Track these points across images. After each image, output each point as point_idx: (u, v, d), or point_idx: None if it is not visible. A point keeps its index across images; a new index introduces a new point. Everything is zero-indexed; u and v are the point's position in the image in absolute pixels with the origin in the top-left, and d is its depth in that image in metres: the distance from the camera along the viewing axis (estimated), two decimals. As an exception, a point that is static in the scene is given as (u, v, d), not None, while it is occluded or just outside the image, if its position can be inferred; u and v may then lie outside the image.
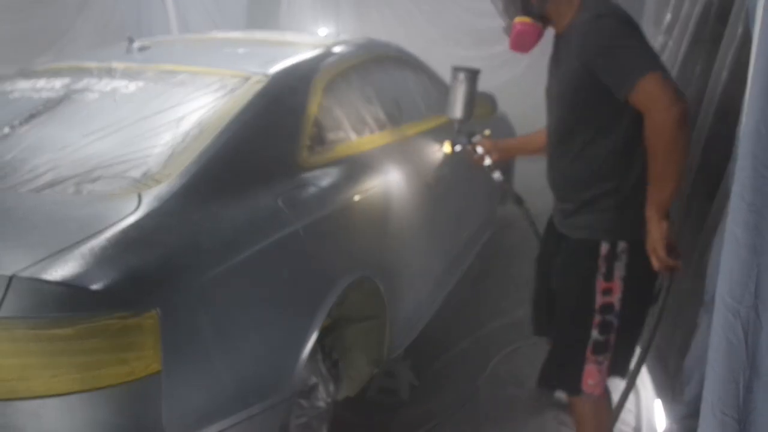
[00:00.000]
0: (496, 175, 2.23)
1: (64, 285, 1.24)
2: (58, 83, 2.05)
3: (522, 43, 1.78)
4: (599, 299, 1.72)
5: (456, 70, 2.15)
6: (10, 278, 1.22)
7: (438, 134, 2.89)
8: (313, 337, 1.74)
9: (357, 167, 2.14)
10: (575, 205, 1.76)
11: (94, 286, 1.25)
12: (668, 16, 2.57)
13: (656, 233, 1.57)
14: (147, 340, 1.30)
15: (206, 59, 2.25)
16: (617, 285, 1.70)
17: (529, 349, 2.74)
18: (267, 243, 1.62)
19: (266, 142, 1.82)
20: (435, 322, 2.71)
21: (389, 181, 2.27)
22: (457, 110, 2.15)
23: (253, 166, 1.74)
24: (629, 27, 1.58)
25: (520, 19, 1.75)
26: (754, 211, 1.02)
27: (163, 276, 1.37)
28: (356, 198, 2.04)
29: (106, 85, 2.01)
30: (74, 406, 1.27)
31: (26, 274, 1.23)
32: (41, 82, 2.09)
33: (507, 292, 3.43)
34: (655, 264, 1.59)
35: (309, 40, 2.65)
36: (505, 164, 2.32)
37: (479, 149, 2.23)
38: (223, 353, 1.47)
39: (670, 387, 2.08)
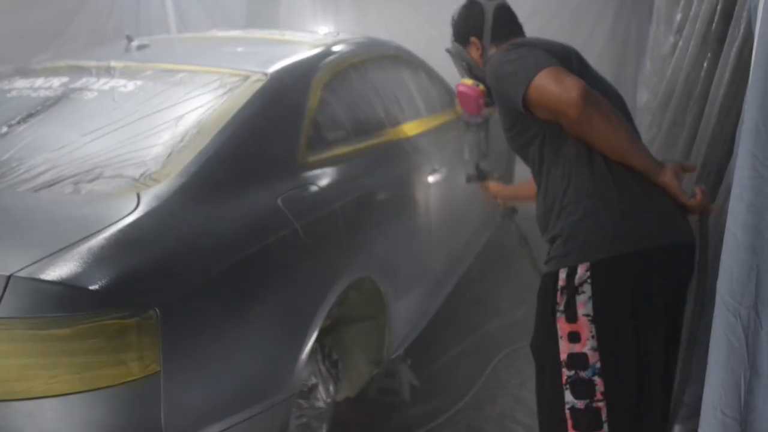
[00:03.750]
0: (507, 216, 2.33)
1: (63, 285, 1.23)
2: (57, 82, 2.04)
3: (465, 103, 1.87)
4: (564, 346, 1.38)
5: (468, 121, 2.12)
6: (8, 278, 1.21)
7: (438, 133, 2.88)
8: (313, 338, 1.74)
9: (357, 166, 2.13)
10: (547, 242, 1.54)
11: (93, 286, 1.25)
12: (678, 16, 2.57)
13: (669, 191, 1.39)
14: (146, 341, 1.29)
15: (205, 58, 2.24)
16: (584, 327, 1.35)
17: (528, 349, 2.74)
18: (266, 243, 1.61)
19: (265, 142, 1.82)
20: (435, 322, 2.70)
21: (389, 181, 2.27)
22: (470, 153, 2.22)
23: (253, 165, 1.74)
24: (515, 49, 1.50)
25: (463, 82, 1.84)
26: (754, 212, 1.02)
27: (162, 276, 1.36)
28: (356, 197, 2.04)
29: (105, 84, 2.00)
30: (73, 406, 1.26)
31: (24, 273, 1.22)
32: (39, 81, 2.08)
33: (507, 292, 3.43)
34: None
35: (308, 38, 2.64)
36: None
37: (492, 186, 2.33)
38: (222, 353, 1.47)
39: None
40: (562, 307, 1.38)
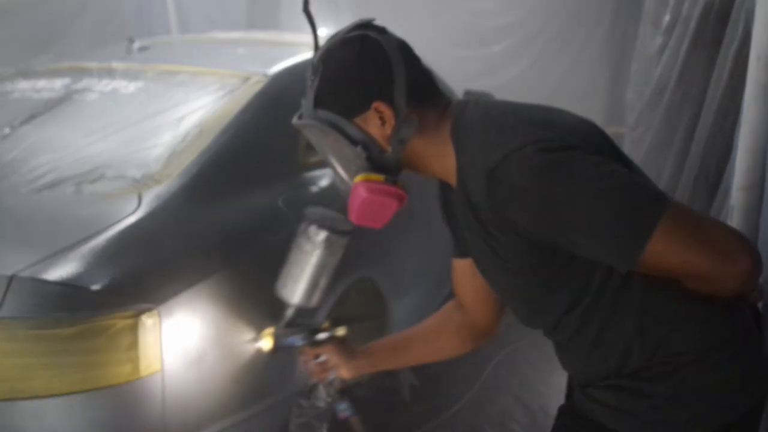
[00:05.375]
0: (342, 407, 1.41)
1: (65, 285, 1.25)
2: (58, 83, 2.06)
3: (370, 214, 1.08)
4: None
5: (309, 221, 1.31)
6: (11, 278, 1.23)
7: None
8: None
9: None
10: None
11: (95, 286, 1.26)
12: (667, 17, 2.58)
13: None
14: (147, 340, 1.30)
15: (206, 59, 2.26)
16: None
17: (528, 349, 2.74)
18: (267, 243, 1.62)
19: (266, 143, 1.82)
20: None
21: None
22: (297, 290, 1.30)
23: (253, 166, 1.75)
24: (549, 151, 0.90)
25: (367, 178, 1.03)
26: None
27: (163, 276, 1.38)
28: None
29: (106, 85, 2.01)
30: (75, 405, 1.27)
31: (27, 274, 1.24)
32: (41, 82, 2.10)
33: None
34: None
35: (308, 40, 2.64)
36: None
37: (322, 357, 1.32)
38: (222, 353, 1.48)
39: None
40: None
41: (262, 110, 1.86)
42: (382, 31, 1.03)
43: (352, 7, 5.30)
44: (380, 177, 1.04)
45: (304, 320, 1.35)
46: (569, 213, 0.89)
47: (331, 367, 1.32)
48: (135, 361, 1.29)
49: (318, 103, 1.05)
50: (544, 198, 0.89)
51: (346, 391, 1.37)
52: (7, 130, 1.82)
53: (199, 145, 1.66)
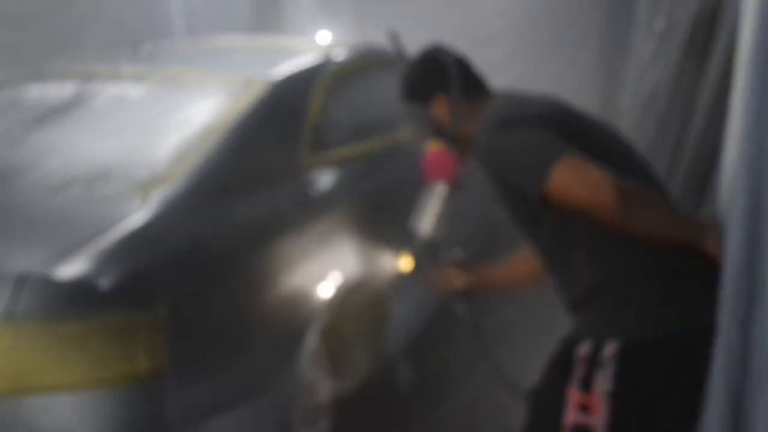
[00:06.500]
0: (461, 308, 1.74)
1: (75, 284, 1.28)
2: (67, 87, 2.08)
3: (437, 172, 1.55)
4: (572, 415, 1.24)
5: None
6: (22, 276, 1.26)
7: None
8: (315, 333, 1.78)
9: (357, 169, 2.18)
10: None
11: (104, 285, 1.29)
12: (660, 22, 2.60)
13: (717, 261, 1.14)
14: (155, 338, 1.34)
15: (211, 63, 2.29)
16: (599, 403, 1.21)
17: (529, 344, 2.76)
18: (269, 242, 1.66)
19: (269, 145, 1.85)
20: (435, 318, 2.73)
21: (389, 183, 2.31)
22: (425, 225, 1.63)
23: (257, 168, 1.78)
24: (508, 127, 1.29)
25: (431, 146, 1.53)
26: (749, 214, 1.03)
27: (170, 275, 1.41)
28: (357, 199, 2.09)
29: (114, 88, 2.05)
30: (83, 401, 1.31)
31: (37, 273, 1.27)
32: (51, 86, 2.13)
33: (507, 290, 3.42)
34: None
35: (311, 44, 2.68)
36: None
37: (447, 272, 1.74)
38: (227, 350, 1.51)
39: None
40: (580, 375, 1.25)
41: (266, 114, 1.89)
42: (443, 51, 1.52)
43: (354, 13, 5.34)
44: (440, 145, 1.50)
45: (431, 248, 1.71)
46: (503, 161, 1.28)
47: (450, 281, 1.73)
48: (142, 358, 1.32)
49: (407, 97, 1.54)
50: (490, 156, 1.31)
51: (464, 298, 1.74)
52: (17, 133, 1.85)
53: (205, 147, 1.68)
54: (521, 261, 1.66)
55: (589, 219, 1.20)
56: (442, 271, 1.74)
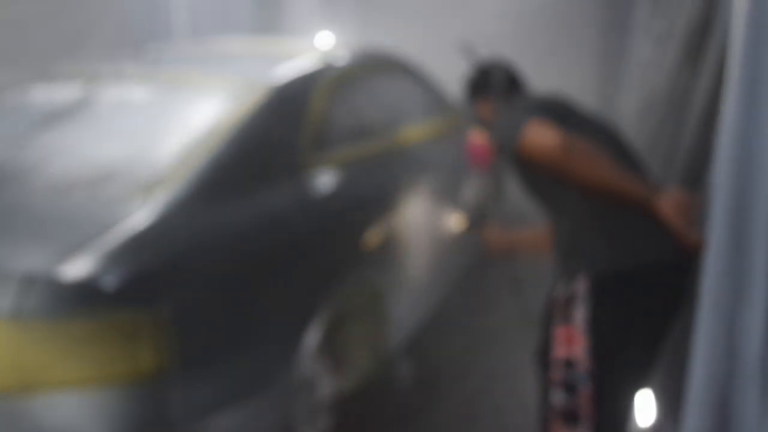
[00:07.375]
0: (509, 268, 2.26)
1: (79, 283, 1.29)
2: (72, 89, 2.10)
3: (476, 156, 2.05)
4: (559, 350, 1.51)
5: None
6: (28, 276, 1.28)
7: (435, 140, 2.94)
8: (315, 332, 1.80)
9: (358, 171, 2.19)
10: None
11: (108, 285, 1.31)
12: (658, 25, 2.61)
13: (671, 224, 1.42)
14: (158, 336, 1.35)
15: (214, 66, 2.30)
16: (579, 332, 1.48)
17: (524, 342, 2.77)
18: (270, 242, 1.68)
19: (270, 146, 1.87)
20: (436, 317, 2.74)
21: (388, 184, 2.33)
22: (473, 194, 2.29)
23: (258, 168, 1.79)
24: (510, 110, 1.63)
25: (476, 135, 1.99)
26: (735, 213, 1.05)
27: (172, 274, 1.42)
28: (357, 199, 2.10)
29: (117, 90, 2.06)
30: (88, 399, 1.32)
31: (42, 272, 1.28)
32: (55, 88, 2.14)
33: (505, 285, 3.43)
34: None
35: (312, 48, 2.70)
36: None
37: (491, 231, 2.17)
38: (229, 347, 1.52)
39: (658, 381, 2.11)
40: (560, 315, 1.52)
41: (267, 116, 1.90)
42: (492, 63, 1.93)
43: (354, 16, 5.36)
44: (483, 133, 2.00)
45: (477, 213, 2.30)
46: (498, 133, 1.59)
47: (494, 239, 2.10)
48: (146, 357, 1.34)
49: (464, 94, 1.97)
50: (494, 132, 1.64)
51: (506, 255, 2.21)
52: (22, 134, 1.86)
53: (207, 148, 1.70)
54: (545, 229, 1.93)
55: (553, 173, 1.47)
56: (487, 230, 2.14)
